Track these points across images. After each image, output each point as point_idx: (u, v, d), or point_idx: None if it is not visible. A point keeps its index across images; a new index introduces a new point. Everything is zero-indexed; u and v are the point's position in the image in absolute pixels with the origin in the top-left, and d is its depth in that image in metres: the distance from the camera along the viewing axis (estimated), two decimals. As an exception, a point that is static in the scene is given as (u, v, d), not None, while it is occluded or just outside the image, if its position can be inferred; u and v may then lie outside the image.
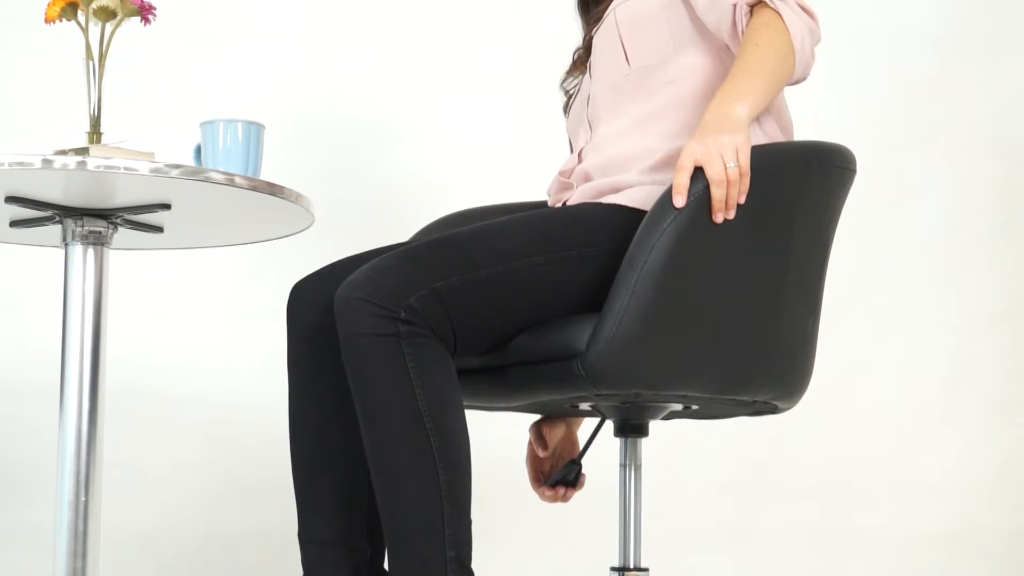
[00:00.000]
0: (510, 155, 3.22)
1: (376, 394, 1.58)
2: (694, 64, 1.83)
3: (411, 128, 3.21)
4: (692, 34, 1.84)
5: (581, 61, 2.03)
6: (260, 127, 1.95)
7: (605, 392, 1.69)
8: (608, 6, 1.94)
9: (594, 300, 1.68)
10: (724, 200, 1.63)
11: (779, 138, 1.84)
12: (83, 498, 1.91)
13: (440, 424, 1.58)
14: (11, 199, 1.85)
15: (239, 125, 1.92)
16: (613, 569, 1.85)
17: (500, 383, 1.77)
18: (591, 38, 1.97)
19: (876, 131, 3.26)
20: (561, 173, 1.96)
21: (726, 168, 1.62)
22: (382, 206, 3.18)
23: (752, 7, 1.76)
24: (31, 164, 1.71)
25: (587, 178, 1.86)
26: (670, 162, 1.75)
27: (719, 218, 1.64)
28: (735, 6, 1.76)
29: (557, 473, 1.98)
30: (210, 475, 3.10)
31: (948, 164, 3.40)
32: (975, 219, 3.43)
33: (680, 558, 3.16)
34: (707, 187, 1.63)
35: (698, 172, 1.64)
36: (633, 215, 1.72)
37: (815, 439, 3.26)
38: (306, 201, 1.93)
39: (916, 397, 3.40)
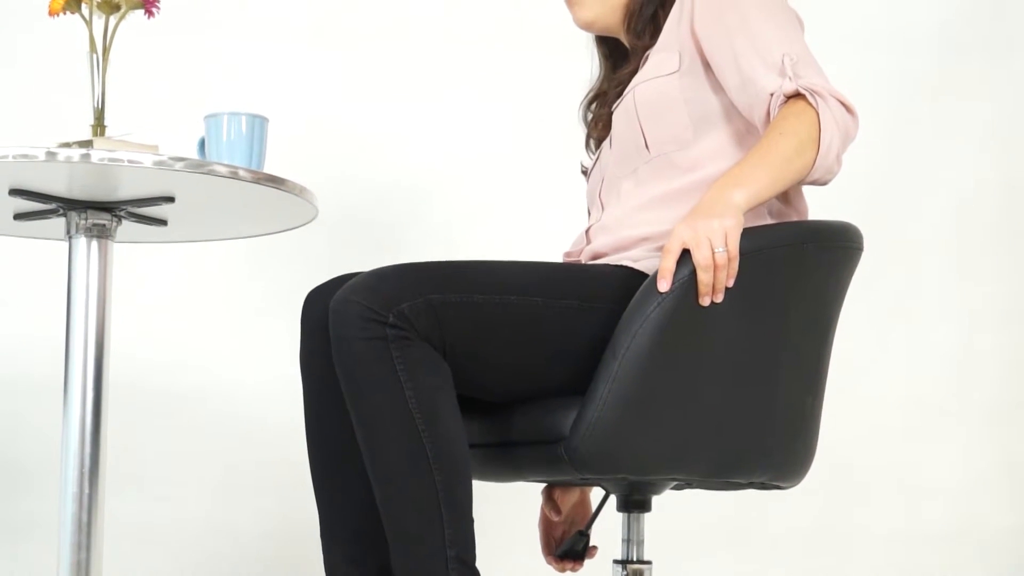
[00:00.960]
0: (517, 149, 3.22)
1: (366, 397, 1.58)
2: (713, 149, 1.79)
3: (417, 121, 3.21)
4: (714, 115, 1.80)
5: (602, 125, 1.99)
6: (264, 120, 1.95)
7: (590, 476, 1.69)
8: (630, 74, 1.90)
9: (586, 357, 1.66)
10: (711, 284, 1.61)
11: (787, 216, 1.81)
12: (87, 490, 1.91)
13: (433, 424, 1.57)
14: (15, 192, 1.86)
15: (243, 118, 1.92)
16: (616, 562, 1.85)
17: (490, 461, 1.77)
18: (611, 112, 1.93)
19: (881, 131, 3.25)
20: (568, 255, 1.94)
21: (714, 253, 1.60)
22: (387, 199, 3.18)
23: (789, 97, 1.71)
24: (35, 157, 1.71)
25: (596, 258, 1.85)
26: None
27: (705, 301, 1.62)
28: (772, 95, 1.71)
29: (564, 544, 1.95)
30: (213, 468, 3.10)
31: (953, 163, 3.39)
32: (981, 218, 3.43)
33: (683, 553, 3.16)
34: (694, 271, 1.61)
35: (686, 256, 1.62)
36: (638, 277, 1.70)
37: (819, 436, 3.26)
38: (310, 194, 1.93)
39: (921, 394, 3.40)
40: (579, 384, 1.67)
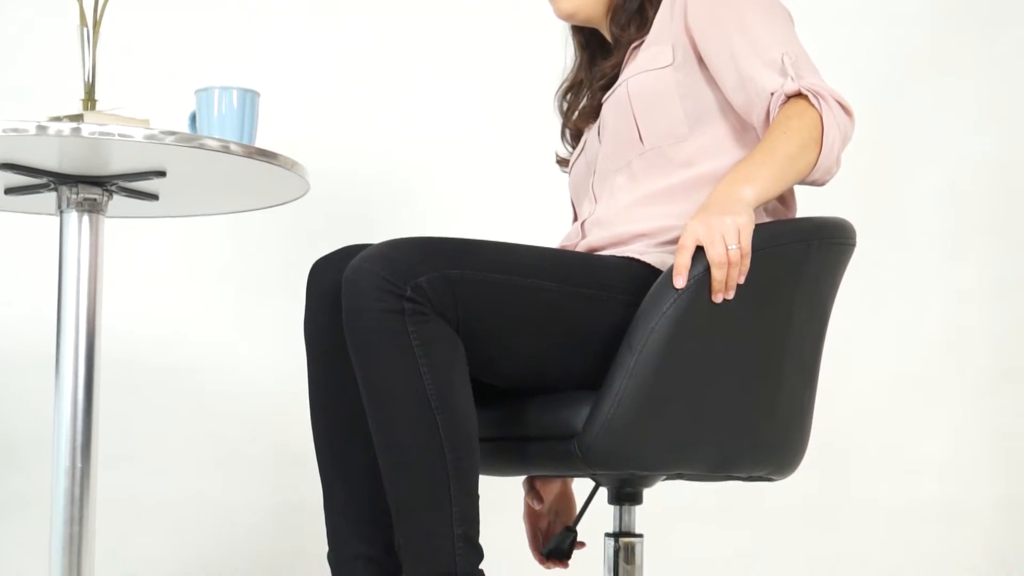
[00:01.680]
0: (512, 126, 3.21)
1: (380, 371, 1.56)
2: (709, 145, 1.79)
3: (411, 98, 3.21)
4: (709, 111, 1.80)
5: (579, 116, 1.99)
6: (255, 94, 1.94)
7: (601, 472, 1.69)
8: (619, 66, 1.90)
9: (596, 346, 1.66)
10: (724, 281, 1.61)
11: (781, 213, 1.82)
12: (79, 464, 1.91)
13: (446, 402, 1.56)
14: (5, 166, 1.85)
15: (234, 92, 1.92)
16: (608, 535, 1.85)
17: (497, 455, 1.76)
18: (600, 103, 1.92)
19: (872, 105, 3.25)
20: (563, 248, 1.93)
21: (727, 250, 1.61)
22: (380, 175, 3.18)
23: (790, 97, 1.71)
24: (26, 131, 1.71)
25: (592, 252, 1.84)
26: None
27: (718, 298, 1.62)
28: (773, 94, 1.71)
29: (552, 542, 1.93)
30: (205, 444, 3.10)
31: (944, 139, 3.39)
32: (971, 196, 3.43)
33: (675, 527, 3.17)
34: (707, 268, 1.61)
35: (699, 252, 1.62)
36: (648, 270, 1.71)
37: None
38: (301, 169, 1.93)
39: (911, 372, 3.40)
40: (588, 375, 1.67)
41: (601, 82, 1.93)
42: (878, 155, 3.28)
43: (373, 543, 1.69)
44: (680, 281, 1.61)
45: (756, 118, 1.75)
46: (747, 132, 1.80)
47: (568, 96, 2.04)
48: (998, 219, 3.43)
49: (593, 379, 1.66)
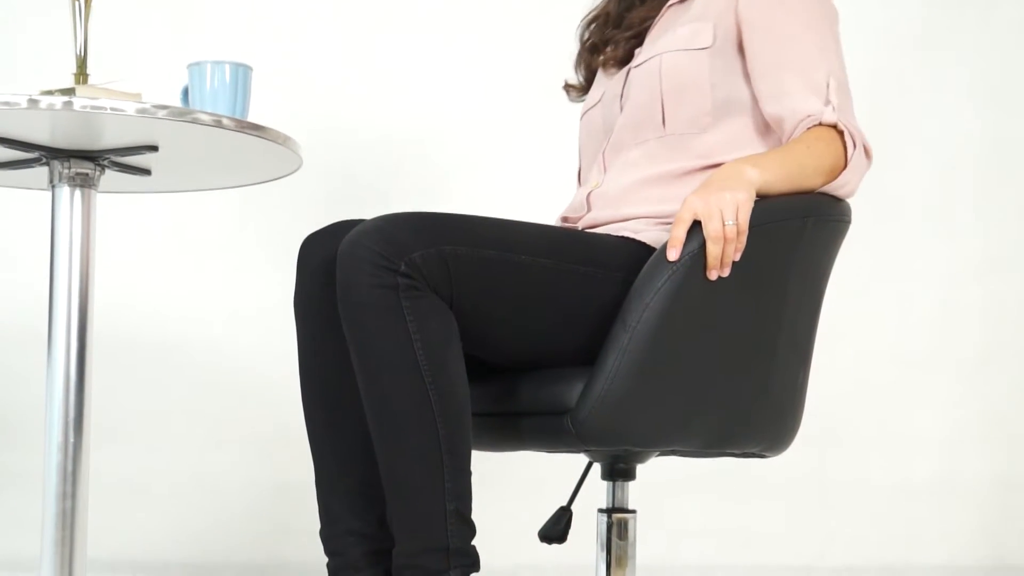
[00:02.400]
0: (506, 102, 3.21)
1: (374, 346, 1.56)
2: (730, 139, 1.78)
3: (404, 74, 3.20)
4: (737, 104, 1.79)
5: (611, 62, 1.96)
6: (248, 69, 1.94)
7: (594, 448, 1.69)
8: (648, 20, 1.88)
9: (591, 324, 1.66)
10: (720, 257, 1.61)
11: None
12: (72, 439, 1.91)
13: (439, 377, 1.56)
14: (-3, 140, 1.85)
15: (226, 67, 1.91)
16: (601, 511, 1.86)
17: (490, 430, 1.76)
18: (627, 54, 1.91)
19: (865, 81, 3.25)
20: (565, 219, 1.93)
21: (724, 225, 1.60)
22: (372, 150, 3.18)
23: (824, 124, 1.71)
24: (17, 104, 1.70)
25: (593, 227, 1.84)
26: None
27: (713, 275, 1.62)
28: (809, 116, 1.71)
29: (547, 523, 1.92)
30: (198, 420, 3.10)
31: (937, 115, 3.39)
32: (963, 172, 3.43)
33: (668, 503, 3.18)
34: (703, 244, 1.61)
35: (696, 227, 1.61)
36: (643, 249, 1.70)
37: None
38: (294, 144, 1.92)
39: (903, 349, 3.41)
40: (581, 352, 1.66)
41: (628, 33, 1.92)
42: (871, 133, 3.28)
43: (365, 519, 1.69)
44: (674, 254, 1.61)
45: (783, 132, 1.75)
46: (771, 133, 1.79)
47: (592, 27, 2.02)
48: (991, 197, 3.43)
49: (587, 356, 1.66)
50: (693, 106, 1.78)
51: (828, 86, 1.73)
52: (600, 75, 1.98)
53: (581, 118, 2.00)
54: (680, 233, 1.61)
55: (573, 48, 2.05)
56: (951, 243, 3.42)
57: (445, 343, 1.57)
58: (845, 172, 1.71)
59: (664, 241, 1.67)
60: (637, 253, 1.70)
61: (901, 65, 3.36)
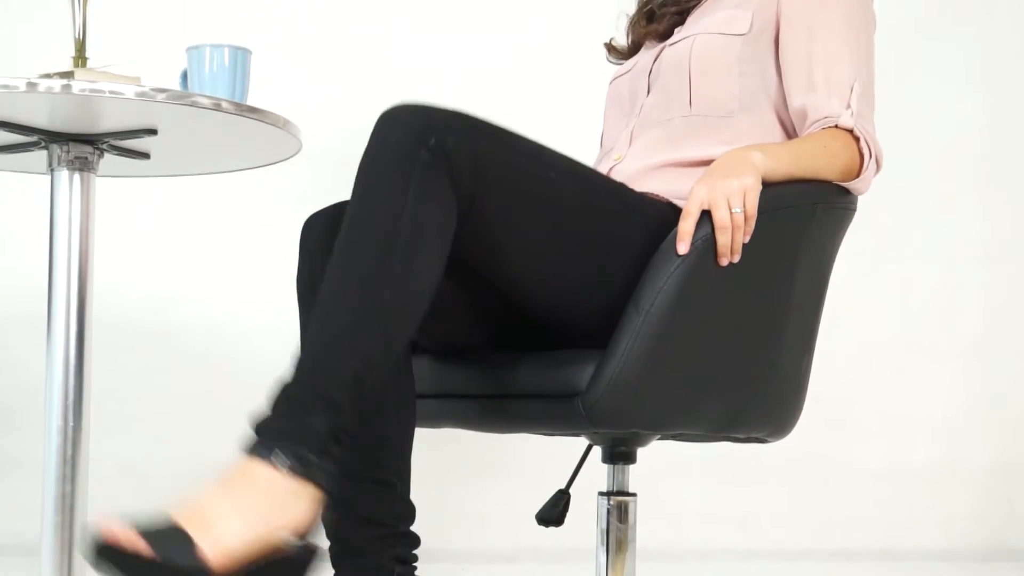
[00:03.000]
0: (509, 85, 3.20)
1: (365, 198, 1.50)
2: (755, 129, 1.78)
3: (405, 57, 3.19)
4: (764, 96, 1.79)
5: (652, 34, 1.95)
6: (247, 52, 1.93)
7: (603, 431, 1.68)
8: (692, 12, 1.88)
9: (607, 263, 1.64)
10: (729, 246, 1.60)
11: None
12: (71, 423, 1.91)
13: (412, 253, 1.49)
14: (-5, 123, 1.84)
15: (225, 50, 1.91)
16: (601, 494, 1.86)
17: (494, 413, 1.74)
18: (667, 29, 1.90)
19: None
20: None
21: (732, 213, 1.59)
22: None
23: (841, 128, 1.71)
24: (16, 87, 1.70)
25: None
26: None
27: (724, 262, 1.61)
28: (826, 118, 1.71)
29: (545, 505, 1.90)
30: (198, 404, 3.10)
31: (939, 101, 3.39)
32: (965, 156, 3.43)
33: (669, 487, 3.18)
34: (706, 237, 1.60)
35: (705, 216, 1.61)
36: (671, 209, 1.69)
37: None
38: (293, 127, 1.92)
39: (905, 332, 3.41)
40: (585, 295, 1.64)
41: (674, 8, 1.92)
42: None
43: (372, 504, 1.65)
44: (683, 247, 1.60)
45: (799, 125, 1.75)
46: (790, 128, 1.80)
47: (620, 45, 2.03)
48: (991, 182, 3.43)
49: (589, 306, 1.64)
50: (720, 89, 1.78)
51: (852, 90, 1.73)
52: (643, 49, 1.99)
53: (610, 83, 2.00)
54: (689, 227, 1.60)
55: (630, 7, 2.03)
56: (953, 228, 3.42)
57: (437, 228, 1.51)
58: (858, 181, 1.72)
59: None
60: (664, 209, 1.69)
61: (901, 47, 3.36)
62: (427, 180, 1.50)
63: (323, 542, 1.71)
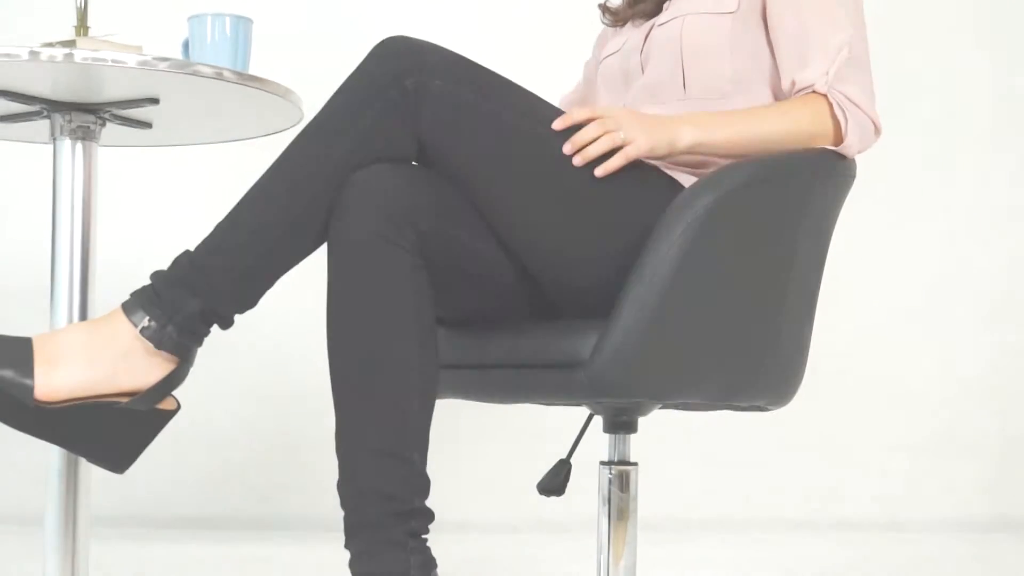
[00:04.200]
0: (512, 55, 3.19)
1: (321, 118, 1.67)
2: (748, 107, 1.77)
3: (407, 25, 3.18)
4: (757, 75, 1.78)
5: (639, 11, 1.94)
6: (248, 21, 1.93)
7: (607, 401, 1.69)
8: None
9: (596, 222, 1.64)
10: (585, 141, 1.60)
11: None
12: (75, 394, 1.91)
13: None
14: (-2, 93, 1.84)
15: (227, 19, 1.91)
16: (602, 463, 1.86)
17: (495, 383, 1.74)
18: (656, 5, 1.89)
19: (871, 33, 3.24)
20: None
21: (612, 133, 1.60)
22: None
23: (818, 93, 1.71)
24: (18, 56, 1.70)
25: None
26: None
27: (567, 149, 1.60)
28: (809, 87, 1.71)
29: (546, 475, 1.89)
30: (200, 375, 3.10)
31: (942, 68, 3.38)
32: (967, 120, 3.42)
33: (670, 456, 3.19)
34: (709, 206, 1.61)
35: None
36: (667, 179, 1.69)
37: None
38: (295, 96, 1.92)
39: (906, 303, 3.41)
40: (578, 251, 1.64)
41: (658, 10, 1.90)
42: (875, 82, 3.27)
43: (390, 478, 1.60)
44: (559, 124, 1.60)
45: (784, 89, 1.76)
46: None
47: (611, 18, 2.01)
48: (994, 155, 3.43)
49: (589, 273, 1.65)
50: (713, 73, 1.77)
51: (839, 56, 1.72)
52: (629, 24, 1.97)
53: (600, 63, 1.99)
54: (576, 115, 1.61)
55: None
56: (957, 196, 3.42)
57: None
58: (843, 147, 1.71)
59: (684, 183, 1.67)
60: (656, 174, 1.69)
61: (909, 15, 3.35)
62: (382, 120, 1.60)
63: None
